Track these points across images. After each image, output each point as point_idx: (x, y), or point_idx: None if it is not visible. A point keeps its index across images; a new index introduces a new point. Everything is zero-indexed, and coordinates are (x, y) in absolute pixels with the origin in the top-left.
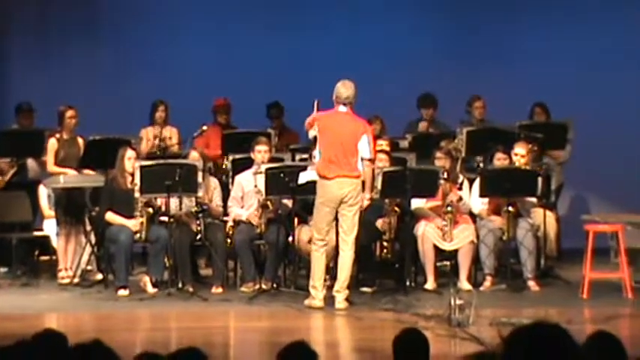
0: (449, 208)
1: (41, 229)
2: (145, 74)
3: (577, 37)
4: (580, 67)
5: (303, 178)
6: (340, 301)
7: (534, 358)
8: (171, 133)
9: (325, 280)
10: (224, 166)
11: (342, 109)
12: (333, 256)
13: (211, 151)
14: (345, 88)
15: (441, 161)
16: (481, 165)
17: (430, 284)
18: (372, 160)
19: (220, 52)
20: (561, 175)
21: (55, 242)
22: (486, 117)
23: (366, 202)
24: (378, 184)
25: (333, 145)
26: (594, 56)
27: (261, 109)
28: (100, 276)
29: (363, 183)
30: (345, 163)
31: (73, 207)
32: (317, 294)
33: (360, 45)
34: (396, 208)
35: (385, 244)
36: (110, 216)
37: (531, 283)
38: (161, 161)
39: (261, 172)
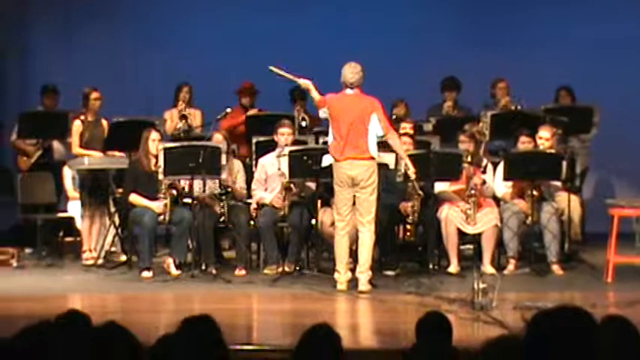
0: (472, 192)
1: (66, 211)
2: (166, 56)
3: (602, 19)
4: (605, 50)
5: (327, 160)
6: (363, 283)
7: (557, 341)
8: (194, 115)
9: (348, 263)
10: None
11: (348, 91)
12: (356, 238)
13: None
14: (350, 72)
15: (464, 144)
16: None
17: (453, 267)
18: (389, 133)
19: (240, 34)
20: (586, 158)
21: (80, 223)
22: (511, 98)
23: (411, 173)
24: (402, 167)
25: (342, 126)
26: (620, 39)
27: (284, 93)
28: (123, 257)
29: (379, 164)
30: (355, 145)
31: (97, 188)
32: (340, 277)
33: (384, 29)
34: (420, 191)
35: (408, 227)
36: (134, 198)
37: (555, 267)
38: (185, 143)
39: (284, 155)
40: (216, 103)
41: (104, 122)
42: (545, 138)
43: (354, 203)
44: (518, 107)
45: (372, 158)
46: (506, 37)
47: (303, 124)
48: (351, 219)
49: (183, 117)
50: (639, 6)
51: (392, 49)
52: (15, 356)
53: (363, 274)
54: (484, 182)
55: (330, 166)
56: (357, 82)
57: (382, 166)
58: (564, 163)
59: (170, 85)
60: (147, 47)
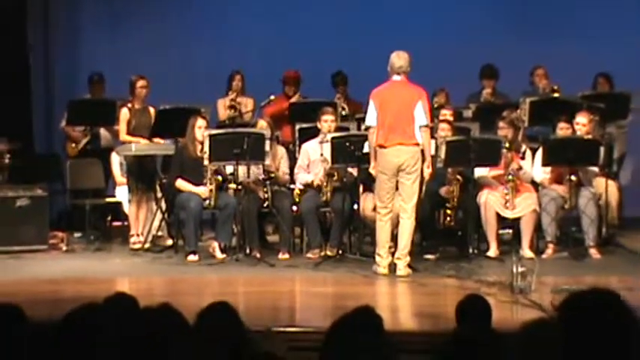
0: (511, 177)
1: (113, 196)
2: (213, 45)
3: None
4: None
5: (368, 147)
6: (401, 268)
7: (589, 323)
8: (246, 102)
9: (390, 248)
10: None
11: (396, 77)
12: (397, 223)
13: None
14: (398, 59)
15: (503, 131)
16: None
17: (493, 252)
18: (429, 127)
19: (285, 23)
20: (624, 144)
21: (127, 208)
22: (552, 85)
23: (427, 172)
24: (442, 153)
25: (389, 113)
26: None
27: (327, 81)
28: (170, 241)
29: (423, 152)
30: (402, 132)
31: (144, 174)
32: (381, 261)
33: (424, 18)
34: (459, 177)
35: (448, 212)
36: (180, 183)
37: (593, 251)
38: (230, 130)
39: (327, 141)
40: (266, 90)
41: (151, 110)
42: (582, 124)
43: (396, 189)
44: (556, 94)
45: (418, 144)
46: (545, 24)
47: (343, 113)
48: (393, 205)
49: (232, 107)
50: None
51: (433, 40)
52: (64, 338)
53: (401, 259)
54: (521, 168)
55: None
56: (405, 69)
57: (422, 153)
58: (602, 149)
59: (217, 74)
60: (194, 36)
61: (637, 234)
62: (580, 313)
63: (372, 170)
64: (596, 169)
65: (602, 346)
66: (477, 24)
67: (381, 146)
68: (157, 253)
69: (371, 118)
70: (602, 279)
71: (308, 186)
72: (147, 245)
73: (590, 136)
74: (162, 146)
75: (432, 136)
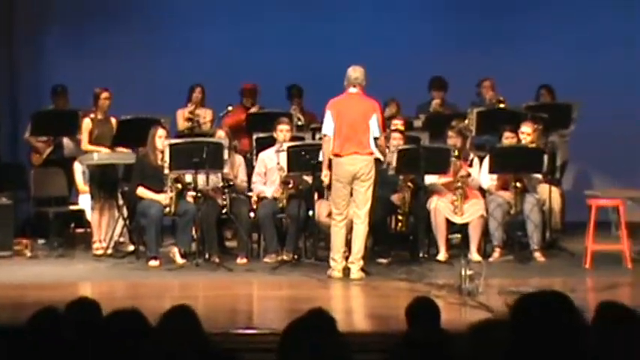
0: (459, 184)
1: (76, 204)
2: (172, 57)
3: (580, 19)
4: (583, 47)
5: (322, 155)
6: (355, 272)
7: (539, 323)
8: (205, 114)
9: (344, 252)
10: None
11: (352, 90)
12: (351, 229)
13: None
14: (354, 71)
15: (452, 140)
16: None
17: (442, 256)
18: (383, 138)
19: (244, 35)
20: (566, 152)
21: (90, 216)
22: (498, 96)
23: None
24: (394, 161)
25: (346, 124)
26: (598, 36)
27: (283, 92)
28: (131, 247)
29: (376, 160)
30: (358, 141)
31: (106, 183)
32: (336, 265)
33: (376, 31)
34: (410, 184)
35: (400, 217)
36: (141, 191)
37: (537, 255)
38: (189, 139)
39: (283, 150)
40: (225, 101)
41: (113, 120)
42: (527, 133)
43: (350, 196)
44: (502, 105)
45: (372, 154)
46: (492, 39)
47: (299, 123)
48: (347, 212)
49: (189, 119)
50: (616, 4)
51: (385, 52)
52: (28, 341)
53: (355, 264)
54: (469, 175)
55: (329, 160)
56: (360, 81)
57: (376, 162)
58: (545, 157)
59: (177, 85)
60: (155, 48)
61: (579, 237)
62: (532, 314)
63: (324, 178)
64: (540, 176)
65: (552, 346)
66: (428, 37)
67: (337, 155)
68: (119, 258)
69: (328, 127)
70: (546, 281)
71: (264, 198)
72: (109, 251)
73: (534, 145)
74: (123, 155)
75: (385, 145)
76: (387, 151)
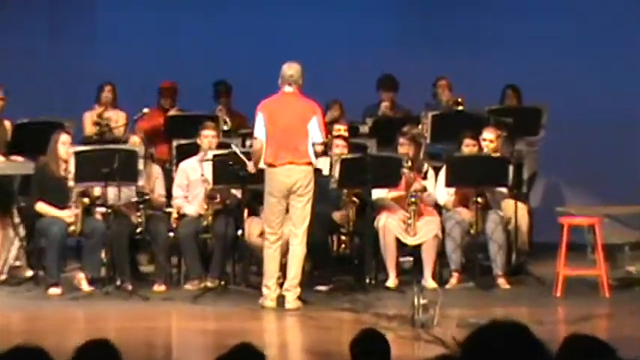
0: (412, 199)
1: None
2: (81, 50)
3: (551, 19)
4: (555, 52)
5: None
6: (290, 301)
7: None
8: (117, 117)
9: (279, 278)
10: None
11: (287, 89)
12: (287, 251)
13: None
14: (289, 68)
15: (404, 148)
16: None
17: (392, 282)
18: (324, 144)
19: (165, 30)
20: (534, 163)
21: None
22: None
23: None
24: (336, 172)
25: (279, 128)
26: (571, 40)
27: (208, 92)
28: (29, 273)
29: (316, 171)
30: (293, 149)
31: None
32: (269, 293)
33: (316, 25)
34: (355, 199)
35: (343, 238)
36: (41, 207)
37: (501, 281)
38: (98, 147)
39: (208, 160)
40: (140, 103)
41: (7, 124)
42: (489, 140)
43: (286, 212)
44: (460, 107)
45: (310, 163)
46: (449, 33)
47: (225, 127)
48: (282, 231)
49: (97, 124)
50: (586, 6)
51: (325, 48)
52: None
53: (290, 291)
54: (425, 189)
55: (261, 172)
56: (296, 79)
57: (315, 172)
58: (510, 168)
59: (85, 83)
60: (61, 39)
61: (549, 261)
62: (486, 349)
63: (250, 169)
64: (504, 190)
65: None
66: (375, 32)
67: (270, 165)
68: (15, 285)
69: (259, 132)
70: (511, 311)
71: (185, 214)
72: (3, 277)
73: (497, 154)
74: (20, 164)
75: (326, 154)
76: (326, 160)
